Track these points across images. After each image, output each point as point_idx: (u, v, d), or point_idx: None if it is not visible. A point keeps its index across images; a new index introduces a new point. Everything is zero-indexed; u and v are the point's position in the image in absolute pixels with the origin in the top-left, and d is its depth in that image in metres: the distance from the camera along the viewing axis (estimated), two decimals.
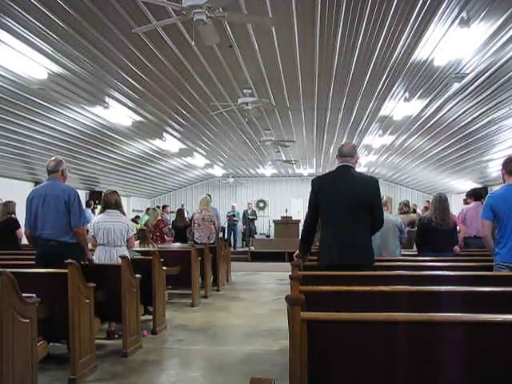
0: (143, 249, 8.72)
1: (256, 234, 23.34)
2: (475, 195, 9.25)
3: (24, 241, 8.36)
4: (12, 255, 7.83)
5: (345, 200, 4.77)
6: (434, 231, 6.59)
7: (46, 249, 5.55)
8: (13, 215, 9.39)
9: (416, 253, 7.08)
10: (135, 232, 7.90)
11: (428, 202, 18.71)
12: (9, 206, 9.45)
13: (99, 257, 6.46)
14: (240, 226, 23.16)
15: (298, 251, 5.24)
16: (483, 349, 2.57)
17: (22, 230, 9.18)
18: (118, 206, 6.74)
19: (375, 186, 4.92)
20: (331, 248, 4.78)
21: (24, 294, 4.06)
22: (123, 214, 6.86)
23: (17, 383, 3.92)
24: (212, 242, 11.15)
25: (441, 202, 6.69)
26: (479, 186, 16.42)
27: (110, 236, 6.54)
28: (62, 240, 5.55)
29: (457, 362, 2.58)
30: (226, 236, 21.32)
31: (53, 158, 5.95)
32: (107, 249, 6.53)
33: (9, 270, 3.99)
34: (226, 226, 21.68)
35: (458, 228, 7.87)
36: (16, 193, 11.47)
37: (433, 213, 6.68)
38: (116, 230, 6.57)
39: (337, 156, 5.11)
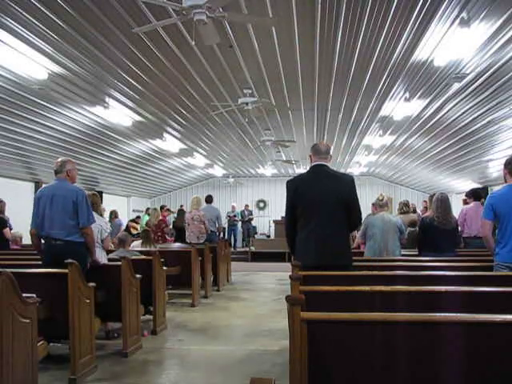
0: (144, 249, 8.73)
1: (256, 233, 23.33)
2: (475, 195, 9.24)
3: (26, 241, 8.37)
4: (12, 255, 7.85)
5: (321, 200, 4.69)
6: (435, 231, 6.57)
7: (53, 248, 5.55)
8: (1, 215, 9.36)
9: (416, 253, 7.07)
10: (134, 233, 7.89)
11: (425, 201, 18.74)
12: None
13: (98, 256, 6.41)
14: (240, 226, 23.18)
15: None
16: (483, 349, 2.57)
17: (20, 229, 9.28)
18: (95, 207, 6.69)
19: (351, 184, 4.80)
20: (307, 249, 4.69)
21: (24, 294, 4.06)
22: (100, 215, 6.80)
23: (17, 383, 3.92)
24: (202, 241, 11.11)
25: (442, 202, 6.67)
26: (479, 186, 16.43)
27: None
28: (69, 240, 5.54)
29: (456, 362, 2.58)
30: (226, 236, 21.30)
31: (59, 159, 5.93)
32: None
33: (9, 269, 3.99)
34: (226, 226, 21.68)
35: (459, 228, 7.87)
36: (16, 193, 11.49)
37: (434, 212, 6.66)
38: None
39: (310, 155, 4.97)
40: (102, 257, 6.40)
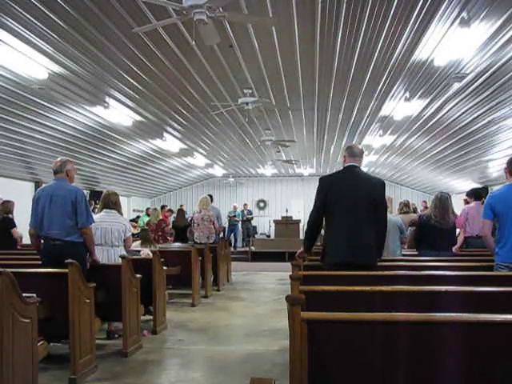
0: (145, 249, 8.72)
1: (256, 233, 23.32)
2: (475, 195, 9.24)
3: (26, 241, 8.38)
4: (12, 255, 7.85)
5: (354, 200, 4.82)
6: (432, 229, 6.56)
7: (52, 248, 5.55)
8: (10, 215, 9.41)
9: (416, 253, 7.06)
10: (133, 232, 7.90)
11: (425, 202, 18.75)
12: (7, 206, 9.48)
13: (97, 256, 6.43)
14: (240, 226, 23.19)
15: (301, 249, 5.25)
16: (483, 348, 2.57)
17: (20, 229, 9.29)
18: (116, 206, 6.74)
19: (382, 187, 5.00)
20: (338, 247, 4.80)
21: (24, 294, 4.06)
22: (121, 214, 6.85)
23: (17, 383, 3.92)
24: (212, 241, 11.16)
25: (441, 201, 6.66)
26: (479, 185, 16.42)
27: (108, 236, 6.52)
28: (68, 240, 5.54)
29: (457, 361, 2.58)
30: (226, 236, 21.30)
31: (58, 159, 5.90)
32: (104, 249, 6.50)
33: (9, 269, 3.99)
34: (226, 225, 21.68)
35: (457, 230, 7.86)
36: (16, 193, 11.49)
37: (432, 210, 6.65)
38: (114, 230, 6.56)
39: (345, 156, 5.11)
40: (117, 256, 6.40)
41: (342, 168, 5.19)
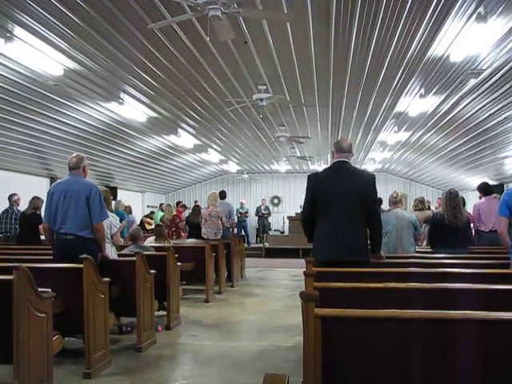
0: (159, 244, 8.76)
1: (270, 230, 23.32)
2: (485, 190, 9.05)
3: (42, 236, 8.49)
4: (32, 250, 7.95)
5: (342, 196, 4.77)
6: (446, 228, 6.54)
7: (64, 243, 5.57)
8: (38, 211, 9.69)
9: (430, 250, 7.03)
10: (148, 228, 7.92)
11: (440, 199, 18.59)
12: (36, 202, 9.89)
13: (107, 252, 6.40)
14: (250, 222, 23.17)
15: None
16: (499, 347, 2.55)
17: None
18: (105, 203, 6.71)
19: (371, 181, 4.91)
20: (327, 244, 4.78)
21: (40, 289, 4.10)
22: (110, 210, 6.83)
23: (33, 377, 3.96)
24: (219, 237, 11.14)
25: (451, 199, 6.62)
26: (495, 182, 16.28)
27: None
28: (80, 235, 5.55)
29: (472, 360, 2.56)
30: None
31: (74, 155, 5.89)
32: None
33: (25, 264, 4.03)
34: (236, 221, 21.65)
35: (472, 225, 7.79)
36: (31, 188, 11.57)
37: (444, 210, 6.63)
38: None
39: (333, 151, 5.08)
40: (111, 252, 6.41)
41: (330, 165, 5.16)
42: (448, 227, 6.52)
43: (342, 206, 4.75)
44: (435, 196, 21.86)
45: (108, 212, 6.53)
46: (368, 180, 4.91)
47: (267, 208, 23.02)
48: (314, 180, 4.97)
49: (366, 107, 11.92)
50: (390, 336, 2.64)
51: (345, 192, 4.77)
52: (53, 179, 15.12)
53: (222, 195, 12.33)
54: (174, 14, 6.43)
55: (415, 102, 10.81)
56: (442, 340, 2.59)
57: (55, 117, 10.80)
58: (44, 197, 5.90)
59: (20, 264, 3.92)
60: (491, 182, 15.46)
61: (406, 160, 19.80)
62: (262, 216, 22.43)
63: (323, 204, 4.83)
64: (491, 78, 8.66)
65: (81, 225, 5.57)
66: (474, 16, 6.35)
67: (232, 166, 23.08)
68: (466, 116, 11.40)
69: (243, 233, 21.56)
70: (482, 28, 6.42)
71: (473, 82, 8.98)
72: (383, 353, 2.65)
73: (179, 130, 14.42)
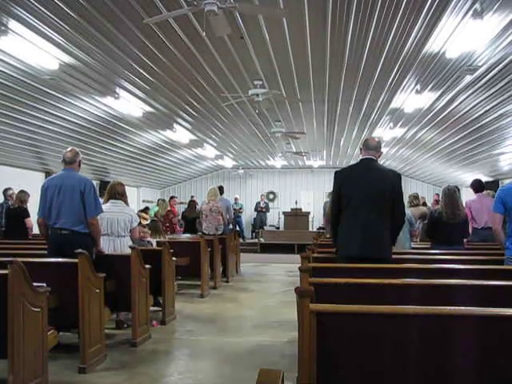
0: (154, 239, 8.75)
1: (265, 225, 23.36)
2: (476, 187, 9.02)
3: (35, 230, 8.47)
4: (23, 244, 7.91)
5: (367, 193, 4.82)
6: (445, 225, 6.57)
7: (59, 238, 5.57)
8: (24, 205, 9.66)
9: (426, 246, 7.05)
10: (143, 223, 7.94)
11: (438, 195, 18.63)
12: (22, 195, 9.90)
13: (102, 246, 6.37)
14: (246, 218, 23.20)
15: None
16: (494, 342, 2.56)
17: (32, 219, 9.41)
18: (122, 196, 6.74)
19: (397, 179, 4.97)
20: (352, 240, 4.81)
21: (35, 284, 4.09)
22: (127, 204, 6.86)
23: (28, 371, 3.96)
24: (220, 232, 11.16)
25: (450, 196, 6.65)
26: (490, 179, 16.32)
27: (114, 226, 6.53)
28: (75, 229, 5.56)
29: (468, 355, 2.57)
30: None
31: (69, 149, 5.88)
32: (111, 239, 6.51)
33: (19, 259, 4.02)
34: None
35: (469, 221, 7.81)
36: (27, 183, 11.55)
37: (443, 208, 6.65)
38: (120, 220, 6.56)
39: (361, 148, 5.16)
40: (126, 247, 6.42)
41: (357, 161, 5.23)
42: (447, 224, 6.55)
43: (368, 203, 4.80)
44: (430, 192, 21.93)
45: (127, 206, 6.59)
46: (395, 180, 4.96)
47: (266, 203, 23.07)
48: (340, 177, 5.03)
49: (362, 103, 11.91)
50: (385, 331, 2.65)
51: (372, 190, 4.82)
52: (48, 174, 15.06)
53: (221, 191, 12.31)
54: (170, 9, 6.41)
55: (411, 98, 10.80)
56: (437, 335, 2.60)
57: (50, 111, 10.76)
58: (39, 191, 5.88)
59: (15, 258, 3.91)
60: (486, 179, 15.54)
61: (402, 156, 19.82)
62: (261, 211, 22.46)
63: (350, 200, 4.87)
64: (487, 74, 8.66)
65: (75, 219, 5.57)
66: (470, 12, 6.35)
67: (228, 162, 23.06)
68: (462, 112, 11.41)
69: (238, 228, 21.60)
70: (478, 24, 6.41)
71: (468, 78, 8.98)
72: (378, 348, 2.66)
73: (175, 125, 14.39)
